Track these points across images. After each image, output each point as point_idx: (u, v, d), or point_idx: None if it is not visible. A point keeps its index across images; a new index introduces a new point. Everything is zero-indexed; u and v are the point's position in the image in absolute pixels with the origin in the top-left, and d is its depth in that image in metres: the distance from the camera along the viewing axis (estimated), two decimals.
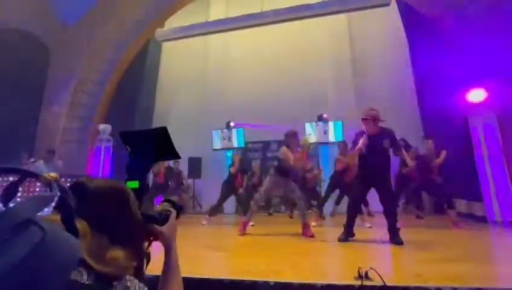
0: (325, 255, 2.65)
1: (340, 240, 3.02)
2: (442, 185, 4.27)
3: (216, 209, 5.18)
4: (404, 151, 3.26)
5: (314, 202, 5.39)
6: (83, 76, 6.78)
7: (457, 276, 1.74)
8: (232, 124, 7.95)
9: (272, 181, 3.66)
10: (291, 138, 3.63)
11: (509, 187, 4.37)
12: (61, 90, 6.58)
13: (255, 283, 1.69)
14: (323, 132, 7.31)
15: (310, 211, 4.81)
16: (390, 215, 2.85)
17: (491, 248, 3.00)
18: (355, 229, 3.09)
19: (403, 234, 2.79)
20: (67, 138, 6.43)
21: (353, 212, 3.15)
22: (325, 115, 7.38)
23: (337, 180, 4.89)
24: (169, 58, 9.48)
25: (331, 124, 7.41)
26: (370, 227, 3.98)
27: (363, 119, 3.15)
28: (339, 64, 8.13)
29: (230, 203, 7.01)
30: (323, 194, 5.49)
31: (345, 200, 5.14)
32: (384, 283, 1.58)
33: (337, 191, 5.29)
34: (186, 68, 9.38)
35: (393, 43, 7.87)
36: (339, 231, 3.11)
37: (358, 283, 1.62)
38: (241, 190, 5.06)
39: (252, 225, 4.36)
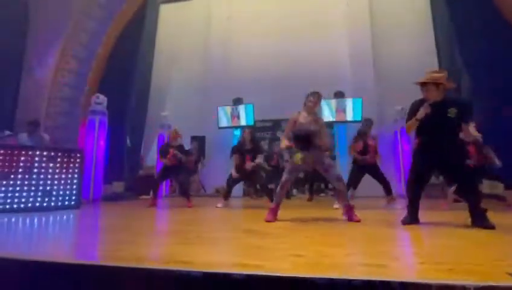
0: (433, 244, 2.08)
1: (404, 223, 2.50)
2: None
3: (229, 192, 4.57)
4: (469, 129, 2.61)
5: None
6: (69, 38, 5.85)
7: None
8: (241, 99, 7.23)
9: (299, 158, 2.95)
10: (310, 98, 2.97)
11: None
12: (44, 53, 5.66)
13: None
14: (342, 110, 6.72)
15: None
16: (472, 195, 2.31)
17: None
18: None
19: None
20: (54, 109, 5.58)
21: (414, 194, 2.60)
22: (342, 91, 6.78)
23: (360, 166, 4.32)
24: (168, 27, 8.51)
25: (349, 101, 6.81)
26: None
27: (423, 84, 2.54)
28: (357, 36, 7.44)
29: (238, 186, 6.42)
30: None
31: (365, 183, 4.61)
32: None
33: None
34: (186, 38, 8.48)
35: (415, 12, 7.23)
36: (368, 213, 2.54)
37: None
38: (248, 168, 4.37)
39: None
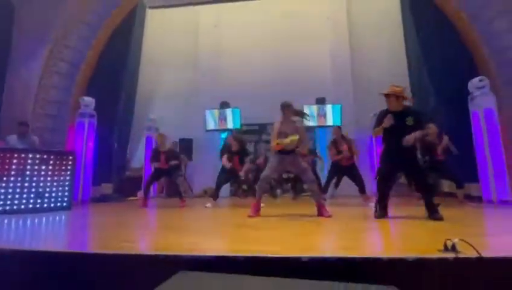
0: (382, 232, 2.51)
1: (376, 217, 2.97)
2: (450, 167, 4.43)
3: (217, 193, 4.86)
4: (432, 128, 3.14)
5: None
6: (57, 41, 5.86)
7: None
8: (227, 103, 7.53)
9: (274, 159, 3.36)
10: (285, 110, 3.35)
11: (505, 170, 4.63)
12: (30, 55, 5.64)
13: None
14: (322, 115, 7.24)
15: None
16: (427, 192, 2.81)
17: None
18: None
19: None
20: (41, 111, 5.58)
21: (381, 192, 3.07)
22: (324, 98, 7.30)
23: (337, 166, 4.85)
24: (156, 31, 8.62)
25: (329, 107, 7.35)
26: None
27: (386, 95, 3.03)
28: (337, 47, 8.00)
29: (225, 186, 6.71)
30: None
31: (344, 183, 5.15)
32: (479, 254, 1.47)
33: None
34: (174, 43, 8.64)
35: (389, 26, 7.91)
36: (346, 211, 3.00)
37: (452, 255, 1.49)
38: (241, 174, 4.72)
39: (263, 206, 4.15)
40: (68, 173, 4.49)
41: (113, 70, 6.62)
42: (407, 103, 3.05)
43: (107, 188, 6.33)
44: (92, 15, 5.98)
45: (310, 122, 6.31)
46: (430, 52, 6.17)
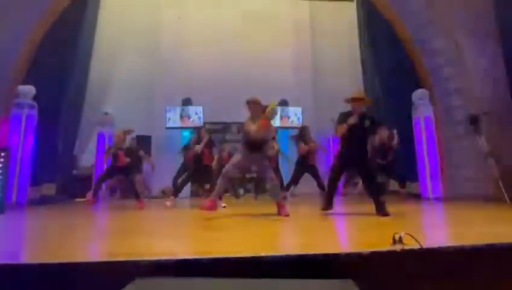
0: (331, 229, 2.65)
1: (323, 209, 3.23)
2: (395, 167, 4.93)
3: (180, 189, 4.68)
4: (383, 132, 3.44)
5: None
6: None
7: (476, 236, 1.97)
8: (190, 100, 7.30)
9: (241, 156, 3.32)
10: (253, 106, 3.33)
11: (438, 170, 5.30)
12: None
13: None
14: (285, 117, 7.45)
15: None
16: (375, 191, 3.09)
17: (459, 214, 3.50)
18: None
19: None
20: None
21: (332, 186, 3.31)
22: (287, 100, 7.52)
23: (302, 163, 5.07)
24: (112, 15, 7.92)
25: (291, 109, 7.59)
26: (224, 207, 4.08)
27: (354, 99, 3.26)
28: (300, 50, 8.30)
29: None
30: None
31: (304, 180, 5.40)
32: (421, 246, 1.64)
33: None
34: (132, 30, 8.05)
35: (347, 35, 8.48)
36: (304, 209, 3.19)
37: (399, 247, 1.65)
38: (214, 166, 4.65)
39: (224, 207, 4.11)
40: (0, 171, 3.89)
41: (60, 56, 5.92)
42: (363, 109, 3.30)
43: (49, 188, 5.64)
44: None
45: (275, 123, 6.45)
46: (381, 63, 6.78)
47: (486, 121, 4.85)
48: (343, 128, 3.18)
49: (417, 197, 5.45)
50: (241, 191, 7.15)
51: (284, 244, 1.89)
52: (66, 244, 1.89)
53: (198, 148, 4.55)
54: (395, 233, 1.74)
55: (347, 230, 2.39)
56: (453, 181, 5.32)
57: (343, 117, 3.27)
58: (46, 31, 5.62)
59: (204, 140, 4.62)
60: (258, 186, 6.22)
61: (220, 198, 3.33)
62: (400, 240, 1.72)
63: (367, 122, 3.20)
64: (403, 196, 5.03)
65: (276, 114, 3.34)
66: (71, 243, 1.94)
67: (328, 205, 3.25)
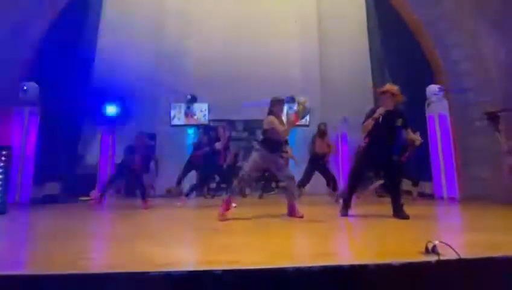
0: (357, 234, 2.48)
1: (343, 215, 2.98)
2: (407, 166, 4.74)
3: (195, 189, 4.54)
4: (410, 132, 3.10)
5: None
6: None
7: (492, 245, 1.80)
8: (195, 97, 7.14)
9: (259, 156, 3.09)
10: (277, 106, 3.20)
11: (454, 169, 5.09)
12: None
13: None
14: (292, 114, 7.24)
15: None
16: (397, 193, 2.90)
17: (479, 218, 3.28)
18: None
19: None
20: None
21: (352, 189, 3.10)
22: (294, 97, 7.31)
23: (315, 162, 4.87)
24: (117, 8, 7.77)
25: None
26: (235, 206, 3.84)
27: (382, 92, 3.04)
28: (307, 47, 8.07)
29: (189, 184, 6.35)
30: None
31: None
32: (459, 256, 1.48)
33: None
34: (137, 25, 7.88)
35: (355, 30, 8.24)
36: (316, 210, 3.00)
37: (434, 258, 1.48)
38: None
39: (235, 207, 3.96)
40: (1, 170, 3.78)
41: (63, 52, 5.79)
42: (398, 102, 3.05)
43: (52, 187, 5.54)
44: None
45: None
46: (392, 58, 6.55)
47: (506, 118, 4.62)
48: (369, 124, 2.96)
49: (429, 197, 5.26)
50: (248, 190, 7.00)
51: (303, 253, 1.73)
52: (64, 252, 1.75)
53: (219, 146, 4.42)
54: (428, 242, 1.57)
55: (368, 236, 2.22)
56: (469, 181, 5.12)
57: (371, 112, 3.03)
58: (49, 26, 5.50)
59: (224, 138, 4.50)
60: (265, 186, 6.07)
61: (231, 200, 3.17)
62: (434, 250, 1.55)
63: (399, 121, 2.96)
64: (414, 196, 4.80)
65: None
66: (75, 250, 1.80)
67: (348, 209, 3.03)
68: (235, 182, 3.19)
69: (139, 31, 7.87)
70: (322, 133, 4.91)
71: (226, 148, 4.50)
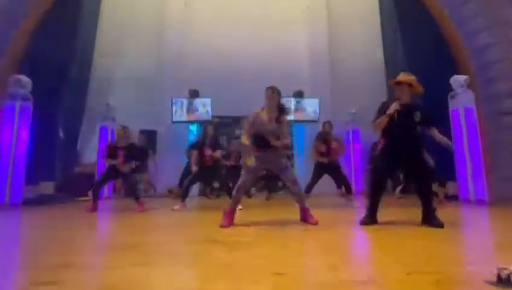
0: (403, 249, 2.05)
1: (363, 223, 2.54)
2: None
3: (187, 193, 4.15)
4: (437, 132, 2.58)
5: None
6: None
7: None
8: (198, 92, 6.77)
9: (253, 158, 2.74)
10: (271, 94, 2.73)
11: (482, 168, 4.59)
12: None
13: None
14: (300, 109, 6.82)
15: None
16: (429, 196, 2.45)
17: None
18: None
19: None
20: None
21: (375, 194, 2.64)
22: (302, 91, 6.88)
23: (322, 169, 4.33)
24: (115, 4, 7.49)
25: (307, 101, 6.95)
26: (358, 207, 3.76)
27: (397, 83, 2.62)
28: (316, 37, 7.60)
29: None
30: None
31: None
32: None
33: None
34: (138, 18, 7.57)
35: (367, 21, 7.75)
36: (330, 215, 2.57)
37: None
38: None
39: (240, 209, 3.57)
40: None
41: (60, 44, 5.49)
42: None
43: (47, 187, 5.26)
44: None
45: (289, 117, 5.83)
46: (409, 46, 6.02)
47: None
48: (382, 121, 2.54)
49: (453, 198, 4.77)
50: (253, 190, 6.62)
51: (322, 281, 1.31)
52: (22, 274, 1.38)
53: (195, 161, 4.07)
54: (502, 268, 1.15)
55: (405, 249, 1.79)
56: (499, 181, 4.61)
57: (384, 106, 2.59)
58: (42, 17, 5.19)
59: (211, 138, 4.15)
60: (270, 185, 5.67)
61: (234, 211, 2.77)
62: (509, 279, 1.13)
63: (418, 115, 2.52)
64: (441, 198, 4.30)
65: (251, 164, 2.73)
66: (28, 272, 1.43)
67: (372, 218, 2.58)
68: (234, 192, 2.81)
69: (140, 25, 7.55)
70: (325, 136, 4.27)
71: (214, 146, 4.08)
